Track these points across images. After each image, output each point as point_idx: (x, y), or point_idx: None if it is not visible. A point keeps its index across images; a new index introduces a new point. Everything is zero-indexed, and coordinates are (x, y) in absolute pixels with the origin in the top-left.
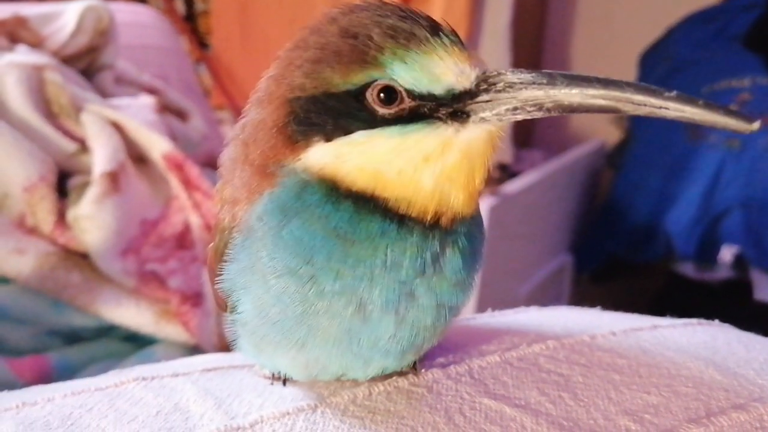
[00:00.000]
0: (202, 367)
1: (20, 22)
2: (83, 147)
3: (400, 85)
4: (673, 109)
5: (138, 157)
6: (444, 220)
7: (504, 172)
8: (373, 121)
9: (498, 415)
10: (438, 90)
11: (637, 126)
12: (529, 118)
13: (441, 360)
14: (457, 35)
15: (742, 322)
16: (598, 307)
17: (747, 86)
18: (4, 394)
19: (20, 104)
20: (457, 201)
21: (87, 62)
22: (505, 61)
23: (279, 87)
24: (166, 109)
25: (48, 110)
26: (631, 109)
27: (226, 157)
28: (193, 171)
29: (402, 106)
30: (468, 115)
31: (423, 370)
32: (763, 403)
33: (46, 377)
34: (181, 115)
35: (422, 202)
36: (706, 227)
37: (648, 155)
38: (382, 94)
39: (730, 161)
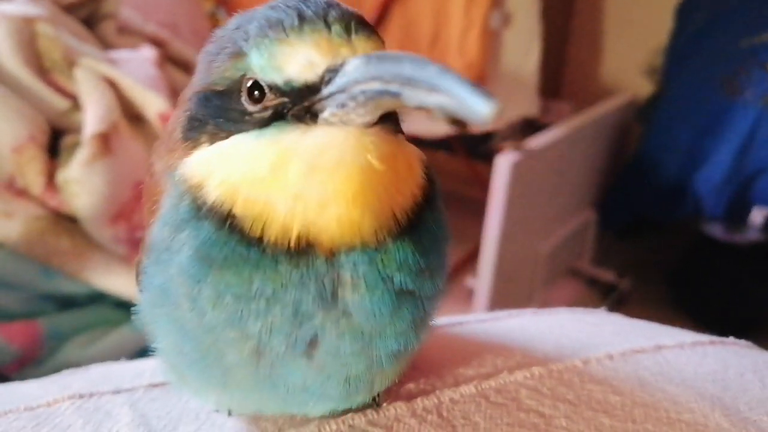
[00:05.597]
0: (149, 381)
1: None
2: (76, 104)
3: (260, 77)
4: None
5: (133, 116)
6: (322, 249)
7: (530, 127)
8: (253, 124)
9: None
10: (279, 80)
11: (671, 78)
12: (360, 120)
13: (410, 386)
14: (352, 23)
15: None
16: (603, 308)
17: None
18: None
19: (9, 59)
20: (326, 224)
21: (89, 11)
22: (533, 9)
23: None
24: (170, 60)
25: (39, 65)
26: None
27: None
28: None
29: (266, 103)
30: (316, 115)
31: (385, 404)
32: None
33: (37, 342)
34: (186, 67)
35: (277, 224)
36: (737, 188)
37: (680, 111)
38: (256, 92)
39: (766, 120)
